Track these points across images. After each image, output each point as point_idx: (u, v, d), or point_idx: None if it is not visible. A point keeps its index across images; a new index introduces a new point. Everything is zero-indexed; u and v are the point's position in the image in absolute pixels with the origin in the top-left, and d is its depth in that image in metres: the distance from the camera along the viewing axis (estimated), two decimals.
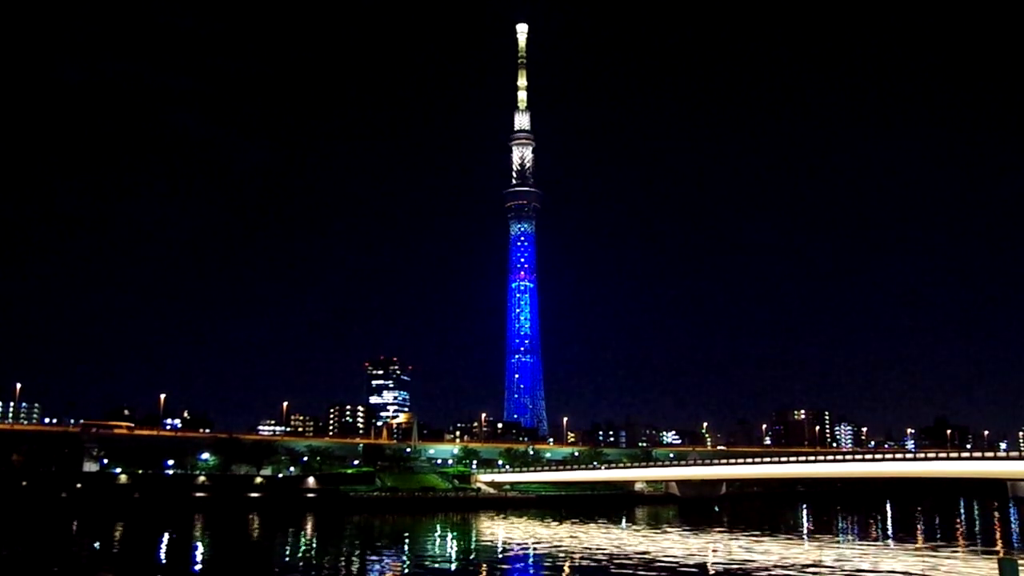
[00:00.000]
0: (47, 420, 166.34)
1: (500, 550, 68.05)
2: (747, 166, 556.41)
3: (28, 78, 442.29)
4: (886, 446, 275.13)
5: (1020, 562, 25.65)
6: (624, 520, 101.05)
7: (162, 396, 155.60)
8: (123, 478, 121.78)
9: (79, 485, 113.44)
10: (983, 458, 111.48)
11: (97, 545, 68.43)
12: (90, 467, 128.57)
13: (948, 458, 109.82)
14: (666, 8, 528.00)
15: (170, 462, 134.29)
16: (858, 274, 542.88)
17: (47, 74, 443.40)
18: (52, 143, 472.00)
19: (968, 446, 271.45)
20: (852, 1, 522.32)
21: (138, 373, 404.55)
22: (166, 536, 76.05)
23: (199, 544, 72.17)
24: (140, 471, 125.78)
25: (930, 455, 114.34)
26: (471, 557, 63.14)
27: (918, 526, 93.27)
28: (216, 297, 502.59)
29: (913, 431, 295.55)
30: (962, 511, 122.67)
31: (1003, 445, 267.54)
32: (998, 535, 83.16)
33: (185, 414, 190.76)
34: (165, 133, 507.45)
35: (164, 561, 60.23)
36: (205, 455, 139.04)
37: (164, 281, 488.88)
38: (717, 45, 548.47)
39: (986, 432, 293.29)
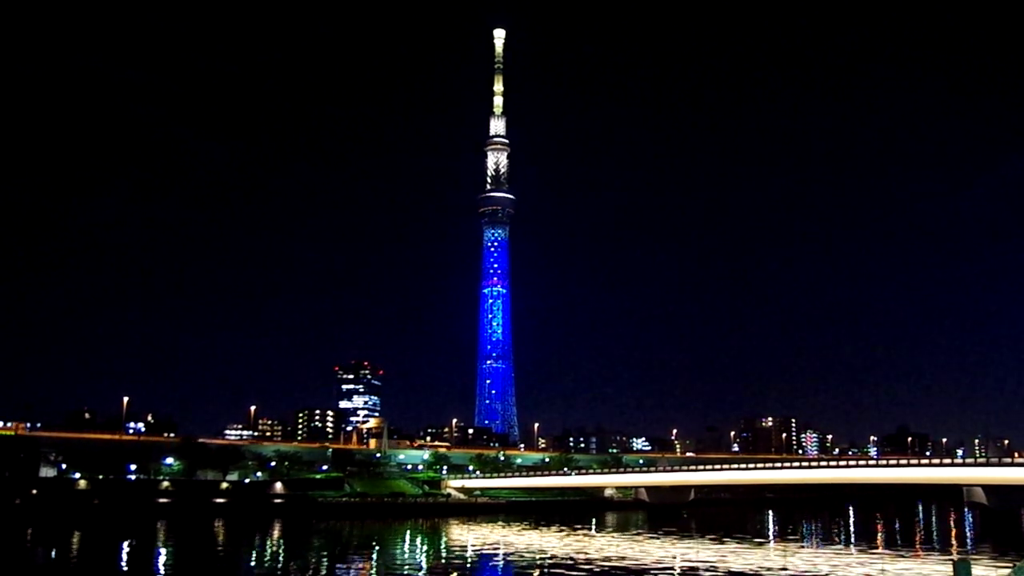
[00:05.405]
0: (0, 424, 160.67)
1: (469, 556, 67.94)
2: (720, 174, 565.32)
3: None
4: (850, 453, 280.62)
5: (974, 565, 26.55)
6: (594, 525, 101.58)
7: (125, 399, 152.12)
8: (82, 484, 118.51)
9: (34, 491, 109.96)
10: (940, 465, 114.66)
11: (53, 554, 66.49)
12: (47, 472, 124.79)
13: (908, 465, 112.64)
14: (643, 15, 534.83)
15: (133, 467, 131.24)
16: (824, 286, 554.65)
17: (3, 67, 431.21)
18: (9, 138, 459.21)
19: (928, 453, 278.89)
20: (833, 12, 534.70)
21: (100, 376, 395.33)
22: (127, 544, 74.15)
23: (161, 552, 70.65)
24: (101, 477, 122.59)
25: (891, 462, 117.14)
26: (440, 563, 62.92)
27: (879, 530, 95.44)
28: (181, 298, 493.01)
29: (876, 438, 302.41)
30: (920, 515, 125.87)
31: (960, 452, 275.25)
32: (954, 538, 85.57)
33: (149, 418, 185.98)
34: (128, 130, 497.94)
35: (124, 570, 58.79)
36: (169, 460, 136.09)
37: (127, 281, 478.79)
38: (693, 51, 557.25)
39: (944, 440, 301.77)
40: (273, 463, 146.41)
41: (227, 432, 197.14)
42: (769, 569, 55.95)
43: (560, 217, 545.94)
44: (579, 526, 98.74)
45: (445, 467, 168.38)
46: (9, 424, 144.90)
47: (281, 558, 65.98)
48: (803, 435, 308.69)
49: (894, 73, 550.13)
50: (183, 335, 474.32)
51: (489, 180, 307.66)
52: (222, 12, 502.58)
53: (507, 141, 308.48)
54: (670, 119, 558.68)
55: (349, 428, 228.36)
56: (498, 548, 73.01)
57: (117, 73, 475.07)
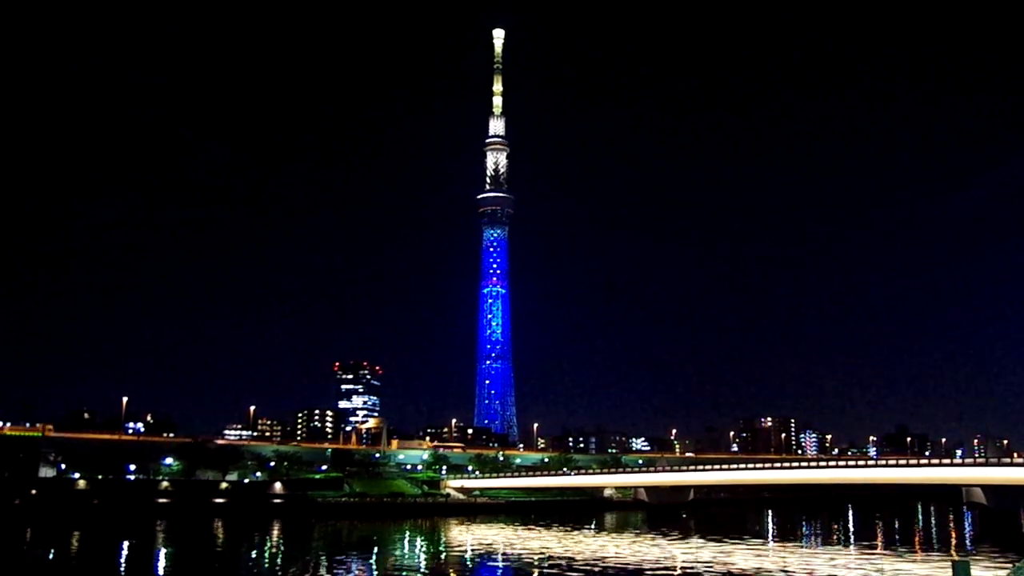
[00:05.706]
0: (1, 424, 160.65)
1: (469, 556, 67.97)
2: (720, 174, 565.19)
3: None
4: (849, 453, 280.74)
5: (973, 565, 26.60)
6: (593, 525, 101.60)
7: (124, 399, 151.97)
8: (82, 484, 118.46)
9: (34, 491, 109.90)
10: (940, 465, 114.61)
11: (52, 554, 66.49)
12: (47, 472, 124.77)
13: (908, 465, 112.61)
14: (643, 15, 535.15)
15: (132, 467, 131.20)
16: (824, 286, 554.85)
17: (3, 68, 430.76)
18: (9, 139, 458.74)
19: (927, 453, 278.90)
20: (833, 12, 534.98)
21: (100, 376, 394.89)
22: (126, 544, 74.16)
23: (161, 552, 70.71)
24: (100, 477, 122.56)
25: (891, 462, 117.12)
26: (439, 563, 62.95)
27: (878, 531, 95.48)
28: (181, 299, 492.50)
29: (875, 439, 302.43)
30: (920, 516, 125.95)
31: (959, 452, 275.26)
32: (953, 539, 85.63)
33: (148, 418, 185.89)
34: (128, 130, 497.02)
35: (123, 570, 58.81)
36: (169, 460, 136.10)
37: (127, 281, 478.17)
38: (693, 51, 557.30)
39: (944, 440, 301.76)
40: (272, 463, 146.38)
41: (227, 432, 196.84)
42: (768, 570, 55.97)
43: (560, 217, 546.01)
44: (578, 526, 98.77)
45: (444, 467, 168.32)
46: (12, 425, 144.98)
47: (280, 558, 66.00)
48: (802, 435, 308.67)
49: (894, 73, 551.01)
50: (183, 335, 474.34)
51: (488, 180, 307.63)
52: (222, 12, 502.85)
53: (506, 141, 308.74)
54: (670, 119, 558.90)
55: (348, 428, 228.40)
56: (497, 548, 73.03)
57: (117, 73, 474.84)
